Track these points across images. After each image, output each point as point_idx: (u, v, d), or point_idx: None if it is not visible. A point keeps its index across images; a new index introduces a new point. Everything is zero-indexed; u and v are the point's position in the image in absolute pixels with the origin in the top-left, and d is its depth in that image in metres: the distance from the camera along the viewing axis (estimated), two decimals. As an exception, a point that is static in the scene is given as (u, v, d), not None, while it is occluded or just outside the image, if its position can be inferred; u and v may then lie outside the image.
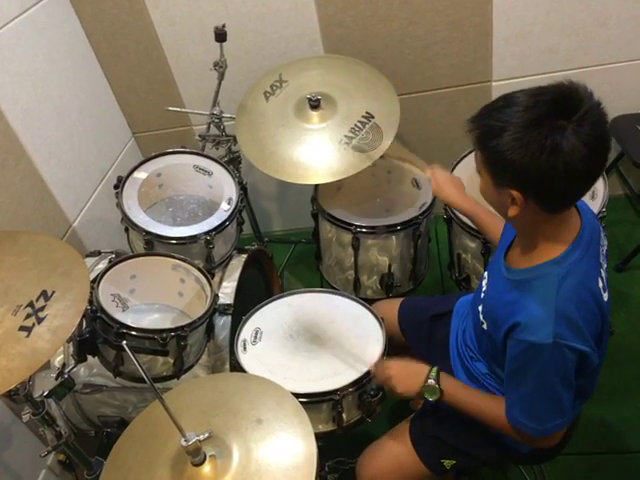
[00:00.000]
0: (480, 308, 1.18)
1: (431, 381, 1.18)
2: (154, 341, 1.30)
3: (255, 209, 2.28)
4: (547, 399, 1.03)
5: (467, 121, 0.98)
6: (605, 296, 1.03)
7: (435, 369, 1.20)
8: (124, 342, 0.82)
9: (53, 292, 1.00)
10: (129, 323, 1.30)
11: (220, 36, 1.77)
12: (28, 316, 0.97)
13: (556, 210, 0.99)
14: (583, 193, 0.98)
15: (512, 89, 0.96)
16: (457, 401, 1.19)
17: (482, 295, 1.20)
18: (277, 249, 2.46)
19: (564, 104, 0.89)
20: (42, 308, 0.98)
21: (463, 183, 1.50)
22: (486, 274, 1.23)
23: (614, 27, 1.99)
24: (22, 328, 0.95)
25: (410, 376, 1.22)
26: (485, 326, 1.16)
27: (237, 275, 1.68)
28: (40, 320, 0.96)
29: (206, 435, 0.93)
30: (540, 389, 1.03)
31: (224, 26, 1.77)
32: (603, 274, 1.05)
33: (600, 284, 1.02)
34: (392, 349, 1.41)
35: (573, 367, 0.99)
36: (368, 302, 1.55)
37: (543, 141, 0.88)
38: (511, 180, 0.95)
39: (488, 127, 0.94)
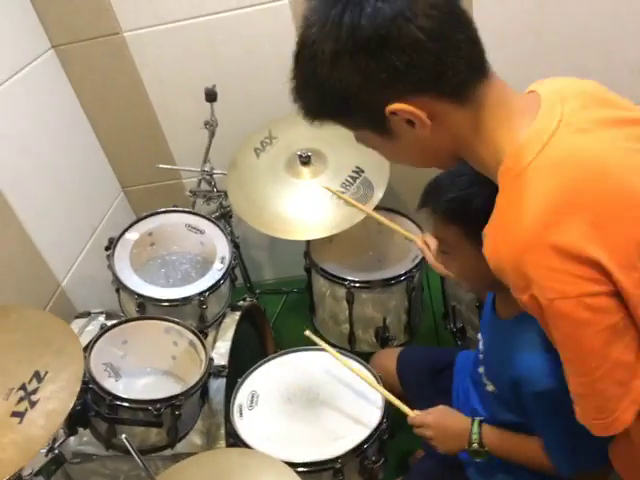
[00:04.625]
0: (481, 370, 1.17)
1: (475, 445, 1.13)
2: (148, 412, 1.26)
3: (246, 259, 2.26)
4: (578, 435, 0.99)
5: None
6: None
7: (476, 428, 1.14)
8: (124, 436, 0.80)
9: (46, 372, 0.97)
10: (121, 394, 1.26)
11: (210, 96, 1.79)
12: (21, 400, 0.93)
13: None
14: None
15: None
16: (502, 454, 1.14)
17: (481, 356, 1.19)
18: (269, 300, 2.44)
19: None
20: (35, 391, 0.94)
21: None
22: (479, 336, 1.22)
23: None
24: (14, 414, 0.92)
25: (452, 438, 1.18)
26: (490, 388, 1.14)
27: (231, 334, 1.66)
28: (33, 404, 0.93)
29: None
30: (568, 428, 0.97)
31: (214, 86, 1.80)
32: None
33: None
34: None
35: None
36: (364, 356, 1.53)
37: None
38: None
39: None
